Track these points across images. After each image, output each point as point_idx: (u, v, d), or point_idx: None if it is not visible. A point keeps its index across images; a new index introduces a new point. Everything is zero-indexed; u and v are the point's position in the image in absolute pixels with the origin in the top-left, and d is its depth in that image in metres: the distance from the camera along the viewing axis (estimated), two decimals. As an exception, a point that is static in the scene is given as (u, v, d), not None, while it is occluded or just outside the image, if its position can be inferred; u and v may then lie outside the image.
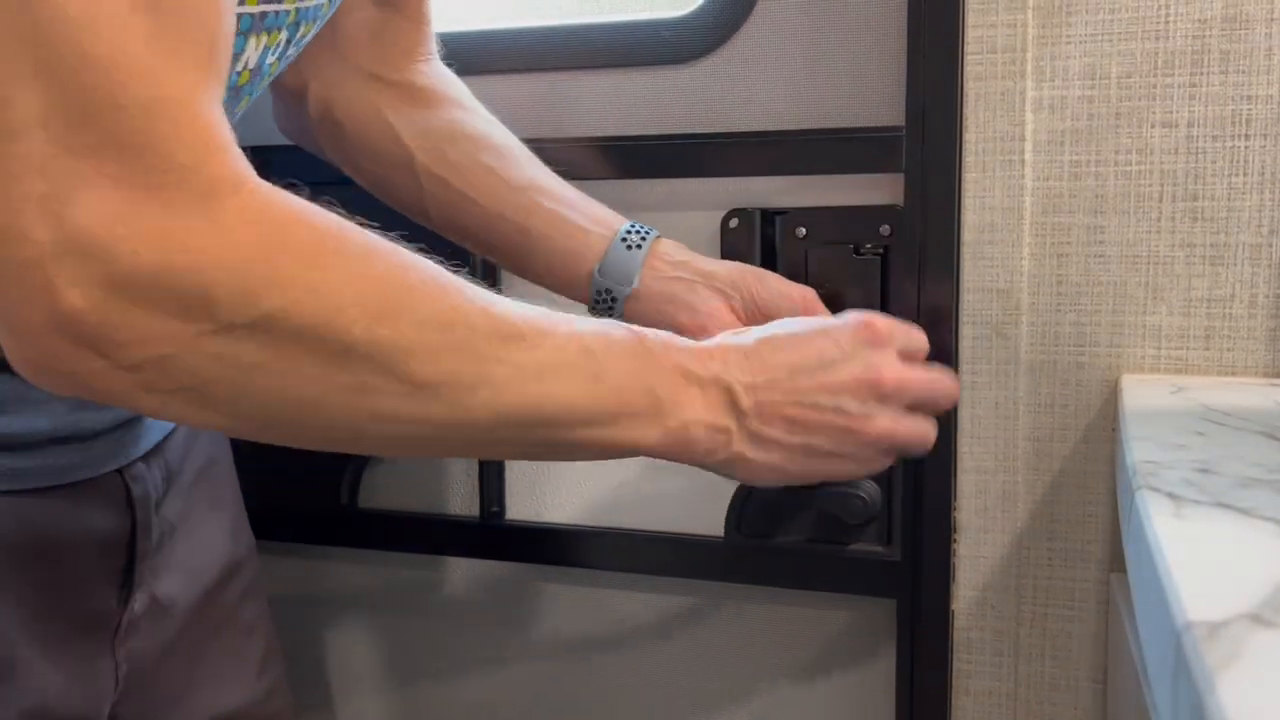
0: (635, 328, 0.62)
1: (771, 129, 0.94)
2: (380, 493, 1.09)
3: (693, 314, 0.77)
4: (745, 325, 0.77)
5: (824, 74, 0.95)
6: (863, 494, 0.88)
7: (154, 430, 0.74)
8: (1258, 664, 0.42)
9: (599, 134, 0.94)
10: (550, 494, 1.04)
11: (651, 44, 0.92)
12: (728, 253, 0.92)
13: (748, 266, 0.82)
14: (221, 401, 0.48)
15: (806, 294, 0.83)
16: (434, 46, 0.85)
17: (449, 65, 0.86)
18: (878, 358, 0.67)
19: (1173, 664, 0.47)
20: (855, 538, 0.92)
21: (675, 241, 0.84)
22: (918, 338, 0.71)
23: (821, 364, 0.65)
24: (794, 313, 0.79)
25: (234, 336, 0.45)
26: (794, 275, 0.88)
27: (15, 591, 0.65)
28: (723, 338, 0.66)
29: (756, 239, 0.91)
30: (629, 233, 0.79)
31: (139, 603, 0.73)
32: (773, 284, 0.80)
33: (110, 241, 0.42)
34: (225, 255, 0.44)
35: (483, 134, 0.82)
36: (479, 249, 0.82)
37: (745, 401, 0.63)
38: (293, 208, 0.47)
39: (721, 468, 0.65)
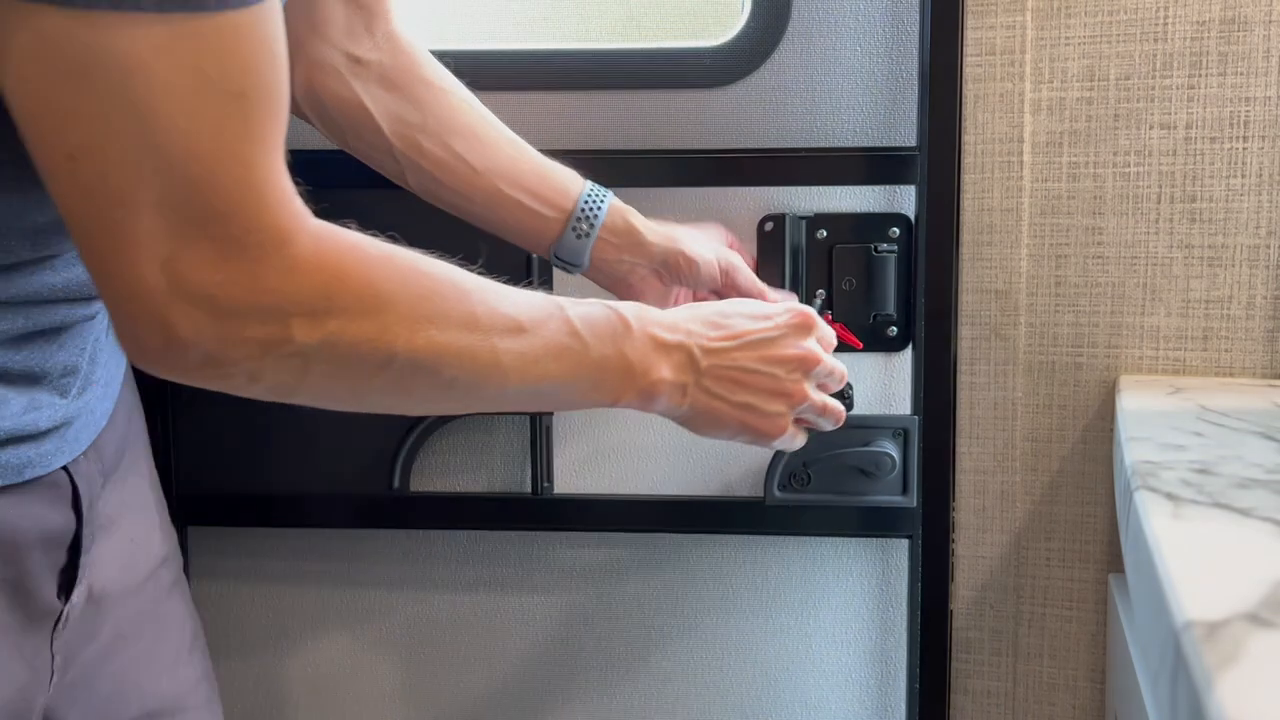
0: (616, 305, 0.75)
1: (800, 146, 1.04)
2: (428, 477, 1.13)
3: (629, 290, 0.93)
4: (667, 289, 0.94)
5: (843, 98, 1.03)
6: (891, 453, 1.02)
7: (90, 427, 0.76)
8: (1257, 663, 0.42)
9: (649, 147, 1.06)
10: (593, 469, 1.11)
11: (694, 69, 1.05)
12: (764, 251, 1.04)
13: (679, 243, 0.94)
14: (289, 391, 0.62)
15: (728, 263, 0.95)
16: (396, 18, 0.92)
17: (517, 83, 0.99)
18: (807, 342, 0.82)
19: (1171, 663, 0.47)
20: (876, 490, 1.05)
21: (623, 213, 0.93)
22: (830, 333, 0.86)
23: (764, 340, 0.81)
24: (711, 282, 0.94)
25: (303, 352, 0.59)
26: (819, 271, 1.03)
27: None
28: (689, 308, 0.81)
29: (786, 240, 1.03)
30: (579, 220, 0.91)
31: (78, 595, 0.75)
32: (699, 265, 0.93)
33: (210, 289, 0.56)
34: (297, 293, 0.58)
35: (451, 120, 0.91)
36: (455, 214, 0.93)
37: (703, 363, 0.78)
38: (346, 245, 0.60)
39: (676, 415, 0.80)
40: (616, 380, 0.74)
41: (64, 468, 0.72)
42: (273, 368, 0.60)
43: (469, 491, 1.13)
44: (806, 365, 0.81)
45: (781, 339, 0.81)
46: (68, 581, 0.74)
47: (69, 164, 0.54)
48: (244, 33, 0.55)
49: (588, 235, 0.91)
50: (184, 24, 0.52)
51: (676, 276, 0.93)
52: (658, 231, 0.94)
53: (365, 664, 1.18)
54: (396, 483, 1.10)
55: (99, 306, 0.73)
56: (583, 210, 0.91)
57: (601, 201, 0.92)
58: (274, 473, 1.11)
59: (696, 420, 0.81)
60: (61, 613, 0.74)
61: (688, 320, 0.79)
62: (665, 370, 0.77)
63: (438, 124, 0.90)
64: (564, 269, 0.93)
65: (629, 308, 0.76)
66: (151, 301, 0.55)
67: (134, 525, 0.83)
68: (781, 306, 0.83)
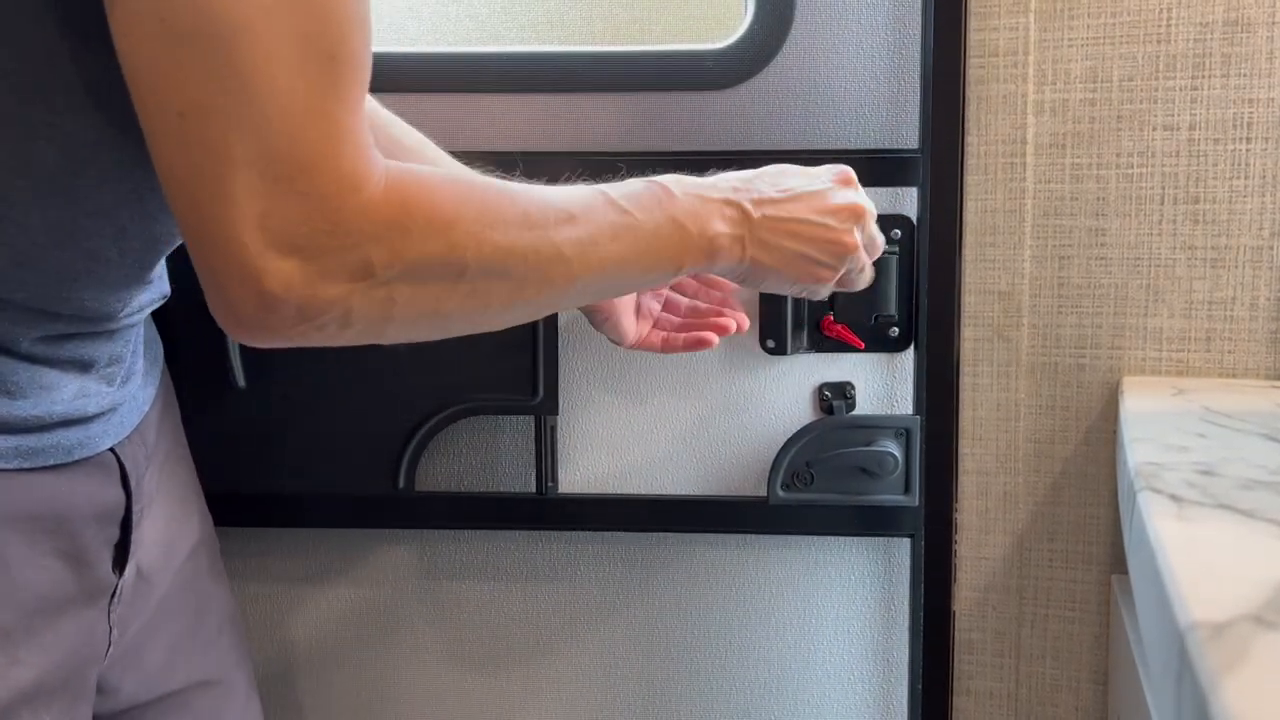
0: (652, 178, 0.77)
1: (801, 148, 1.04)
2: (433, 476, 1.14)
3: (600, 315, 0.94)
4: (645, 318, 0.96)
5: (846, 100, 1.03)
6: (893, 452, 1.01)
7: (134, 412, 0.80)
8: (1261, 665, 0.42)
9: (653, 149, 1.07)
10: (598, 469, 1.12)
11: (698, 71, 1.05)
12: None
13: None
14: (380, 327, 0.65)
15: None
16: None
17: (521, 85, 0.99)
18: (854, 194, 0.83)
19: (1176, 665, 0.47)
20: (878, 490, 1.05)
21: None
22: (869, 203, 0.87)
23: (814, 192, 0.82)
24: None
25: (389, 285, 0.63)
26: None
27: (37, 560, 0.71)
28: (736, 171, 0.81)
29: None
30: None
31: (130, 571, 0.79)
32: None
33: (298, 240, 0.59)
34: (376, 230, 0.61)
35: (395, 139, 0.93)
36: None
37: (755, 215, 0.79)
38: (412, 179, 0.64)
39: (736, 272, 0.81)
40: (675, 246, 0.76)
41: (111, 449, 0.76)
42: (361, 306, 0.63)
43: (474, 491, 1.13)
44: (858, 216, 0.82)
45: (830, 191, 0.82)
46: (121, 556, 0.78)
47: (179, 121, 0.57)
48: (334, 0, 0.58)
49: None
50: None
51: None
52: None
53: (369, 663, 1.18)
54: (402, 482, 1.11)
55: (145, 314, 0.78)
56: None
57: None
58: (279, 473, 1.11)
59: (756, 274, 0.81)
60: (116, 586, 0.78)
61: (730, 179, 0.80)
62: (720, 224, 0.78)
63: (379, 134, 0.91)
64: None
65: (666, 177, 0.78)
66: (247, 260, 0.59)
67: (173, 505, 0.87)
68: (823, 167, 0.85)
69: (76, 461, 0.74)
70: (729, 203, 0.79)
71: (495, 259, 0.67)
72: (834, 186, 0.83)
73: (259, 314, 0.61)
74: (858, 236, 0.83)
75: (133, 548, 0.79)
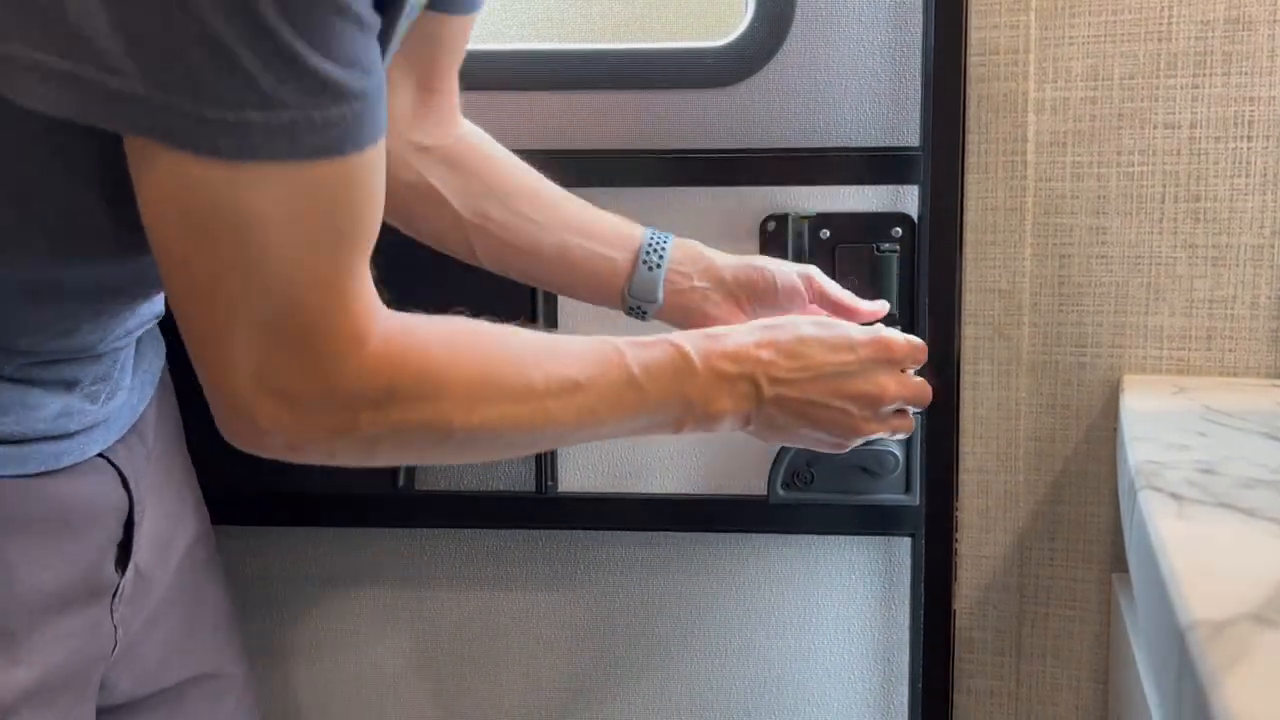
0: (679, 339, 0.77)
1: (801, 146, 1.04)
2: (433, 475, 1.14)
3: (706, 319, 0.90)
4: (751, 317, 0.90)
5: (847, 98, 1.03)
6: (894, 451, 1.01)
7: (121, 421, 0.81)
8: (1262, 663, 0.42)
9: (654, 147, 1.06)
10: (597, 466, 1.12)
11: (698, 69, 1.05)
12: (766, 250, 1.03)
13: (753, 262, 0.91)
14: (361, 463, 0.70)
15: (807, 273, 0.92)
16: (458, 102, 0.95)
17: (521, 83, 0.99)
18: (885, 377, 0.81)
19: (1176, 664, 0.47)
20: (879, 488, 1.05)
21: (689, 244, 0.93)
22: (922, 356, 0.84)
23: (839, 374, 0.80)
24: (796, 298, 0.90)
25: (370, 437, 0.66)
26: (822, 269, 0.97)
27: (40, 560, 0.73)
28: (768, 328, 0.80)
29: (789, 239, 1.04)
30: (649, 252, 0.91)
31: (131, 570, 0.80)
32: (776, 278, 0.91)
33: (291, 390, 0.63)
34: (365, 390, 0.65)
35: (515, 184, 0.92)
36: (524, 280, 0.95)
37: (768, 393, 0.78)
38: (410, 341, 0.66)
39: (741, 430, 0.81)
40: (675, 419, 0.77)
41: (103, 455, 0.78)
42: (344, 449, 0.67)
43: (474, 490, 1.13)
44: (880, 402, 0.80)
45: (859, 375, 0.80)
46: (123, 555, 0.79)
47: (191, 280, 0.61)
48: (356, 176, 0.61)
49: (659, 266, 0.90)
50: (308, 170, 0.58)
51: (755, 297, 0.91)
52: (727, 256, 0.92)
53: (369, 662, 1.18)
54: (402, 481, 1.11)
55: (135, 338, 0.79)
56: (649, 245, 0.91)
57: (665, 238, 0.92)
58: (279, 472, 1.11)
59: (761, 435, 0.82)
60: (119, 585, 0.79)
61: (760, 346, 0.79)
62: (727, 402, 0.77)
63: (501, 190, 0.91)
64: (638, 313, 0.92)
65: (693, 340, 0.77)
66: (241, 398, 0.63)
67: (170, 503, 0.88)
68: (867, 335, 0.82)
69: (74, 465, 0.75)
70: (745, 377, 0.78)
71: (483, 429, 0.69)
72: (865, 366, 0.80)
73: (250, 439, 0.66)
74: (876, 424, 0.81)
75: (135, 545, 0.80)
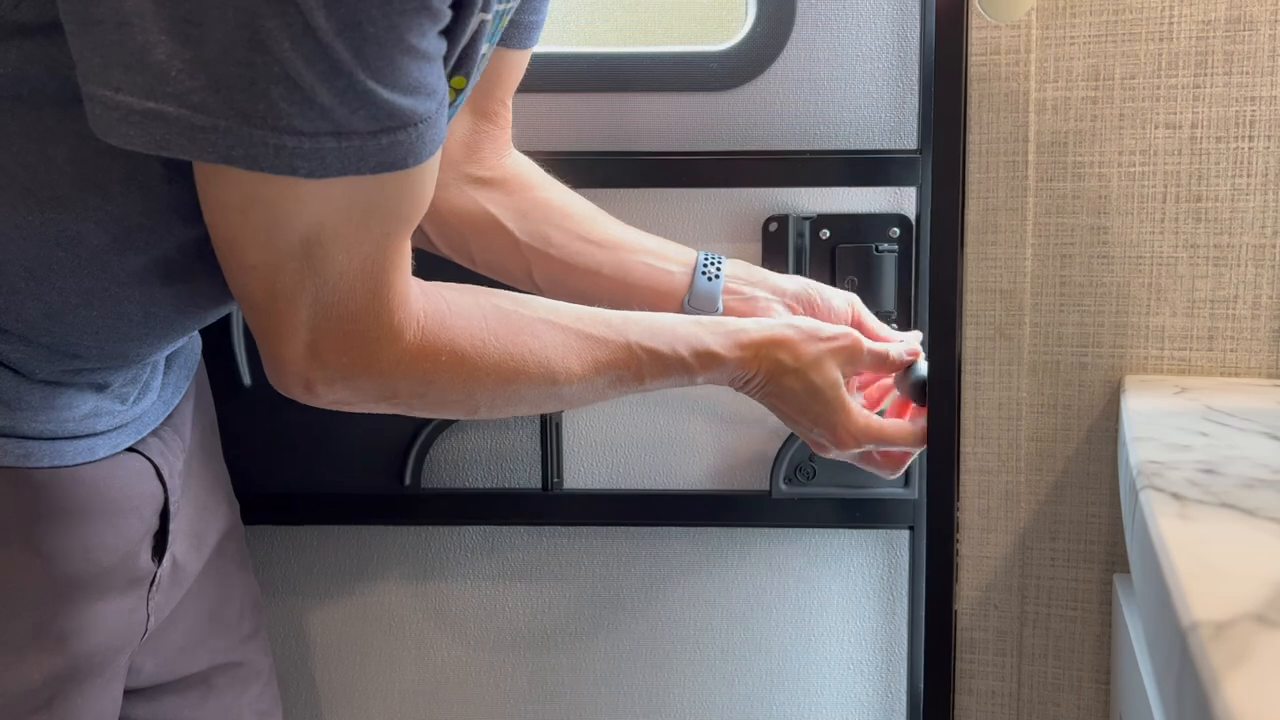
0: (708, 348, 0.85)
1: (803, 148, 1.06)
2: (441, 474, 1.15)
3: None
4: None
5: (847, 101, 1.05)
6: None
7: (153, 416, 0.83)
8: (1263, 664, 0.42)
9: (655, 149, 1.08)
10: (602, 463, 1.13)
11: (700, 72, 1.07)
12: (768, 251, 1.07)
13: (809, 282, 0.98)
14: (400, 412, 0.78)
15: (851, 301, 0.99)
16: (510, 138, 0.99)
17: (525, 85, 1.00)
18: (867, 463, 0.93)
19: (1178, 664, 0.47)
20: (879, 483, 1.07)
21: (741, 262, 0.98)
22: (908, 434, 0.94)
23: (821, 429, 0.90)
24: (845, 319, 0.97)
25: (408, 404, 0.76)
26: (822, 269, 1.06)
27: (78, 553, 0.75)
28: (782, 348, 0.88)
29: (790, 240, 1.06)
30: (706, 264, 0.97)
31: (168, 561, 0.83)
32: (828, 298, 0.98)
33: (338, 367, 0.70)
34: (405, 371, 0.73)
35: (567, 208, 0.97)
36: (578, 300, 0.97)
37: (757, 396, 0.88)
38: (444, 332, 0.74)
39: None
40: (668, 387, 0.86)
41: (138, 449, 0.80)
42: (385, 409, 0.77)
43: (480, 488, 1.15)
44: (840, 448, 0.91)
45: (838, 447, 0.90)
46: (159, 545, 0.82)
47: (249, 273, 0.67)
48: (406, 185, 0.66)
49: (717, 276, 0.96)
50: (371, 181, 0.63)
51: (810, 311, 0.96)
52: (783, 275, 0.98)
53: (377, 659, 1.18)
54: (408, 479, 1.12)
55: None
56: (706, 259, 0.97)
57: (719, 255, 0.97)
58: (286, 471, 1.12)
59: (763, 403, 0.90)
60: (155, 575, 0.82)
61: (765, 371, 0.87)
62: (724, 382, 0.88)
63: (559, 214, 0.97)
64: None
65: (721, 340, 0.85)
66: (295, 368, 0.71)
67: (203, 495, 0.91)
68: (867, 426, 0.90)
69: (110, 457, 0.77)
70: (742, 383, 0.87)
71: (507, 404, 0.80)
72: (845, 448, 0.90)
73: (303, 396, 0.73)
74: (836, 454, 0.91)
75: (171, 536, 0.83)
